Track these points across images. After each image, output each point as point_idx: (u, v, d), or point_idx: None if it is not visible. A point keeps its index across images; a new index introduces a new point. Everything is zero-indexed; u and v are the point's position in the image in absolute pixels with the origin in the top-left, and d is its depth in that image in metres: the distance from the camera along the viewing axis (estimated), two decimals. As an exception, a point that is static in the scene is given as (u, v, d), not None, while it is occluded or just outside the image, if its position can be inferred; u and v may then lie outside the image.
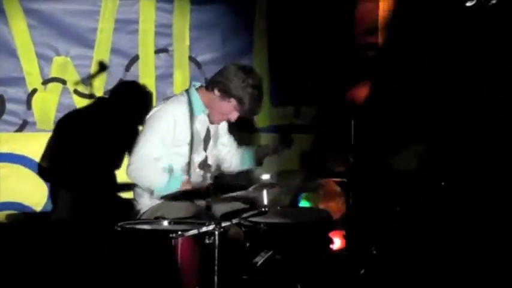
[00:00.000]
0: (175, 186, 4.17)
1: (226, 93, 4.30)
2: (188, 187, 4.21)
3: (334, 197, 5.17)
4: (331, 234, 4.22)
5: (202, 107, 4.38)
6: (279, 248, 3.82)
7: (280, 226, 3.95)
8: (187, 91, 4.46)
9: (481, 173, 5.28)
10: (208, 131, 4.47)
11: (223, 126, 4.66)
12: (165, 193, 4.14)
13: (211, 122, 4.46)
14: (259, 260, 3.73)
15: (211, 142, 4.50)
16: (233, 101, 4.30)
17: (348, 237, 4.79)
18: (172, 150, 4.31)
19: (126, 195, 4.99)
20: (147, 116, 4.37)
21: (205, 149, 4.45)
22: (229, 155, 4.67)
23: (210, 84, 4.40)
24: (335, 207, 5.20)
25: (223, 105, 4.33)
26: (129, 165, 4.21)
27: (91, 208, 5.16)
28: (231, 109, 4.33)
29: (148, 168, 4.20)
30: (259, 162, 4.63)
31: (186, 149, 4.35)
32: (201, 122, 4.42)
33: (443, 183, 5.09)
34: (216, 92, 4.33)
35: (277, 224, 3.95)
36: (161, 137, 4.25)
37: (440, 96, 5.83)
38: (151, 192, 4.24)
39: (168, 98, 4.50)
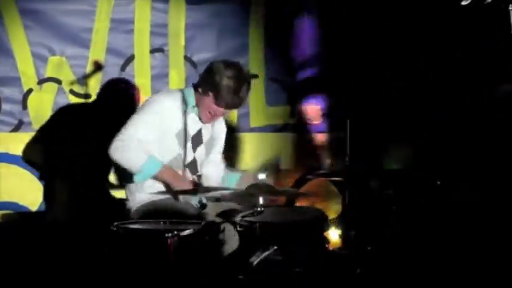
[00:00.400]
0: (151, 171, 4.18)
1: (205, 88, 4.28)
2: (169, 175, 4.22)
3: (330, 196, 5.17)
4: (327, 234, 4.21)
5: (193, 104, 4.38)
6: (275, 247, 3.80)
7: (276, 225, 3.94)
8: (182, 89, 4.48)
9: (480, 172, 5.28)
10: (199, 132, 4.46)
11: (220, 142, 4.66)
12: (142, 177, 4.17)
13: (202, 121, 4.44)
14: (255, 259, 3.72)
15: (202, 146, 4.50)
16: (211, 95, 4.27)
17: (344, 237, 4.80)
18: (161, 141, 4.31)
19: (120, 194, 4.99)
20: (141, 105, 4.39)
21: (194, 150, 4.44)
22: (214, 174, 4.64)
23: (196, 84, 4.40)
24: (331, 206, 5.20)
25: (205, 101, 4.31)
26: (113, 143, 4.19)
27: (86, 208, 5.15)
28: (211, 104, 4.28)
29: (131, 150, 4.16)
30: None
31: (174, 142, 4.34)
32: (192, 121, 4.40)
33: (438, 183, 5.08)
34: (200, 89, 4.33)
35: (273, 224, 3.94)
36: (149, 121, 4.24)
37: (438, 96, 5.83)
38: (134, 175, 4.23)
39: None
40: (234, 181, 4.58)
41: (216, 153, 4.64)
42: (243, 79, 4.25)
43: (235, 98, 4.24)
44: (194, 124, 4.42)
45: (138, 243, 3.59)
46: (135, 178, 4.21)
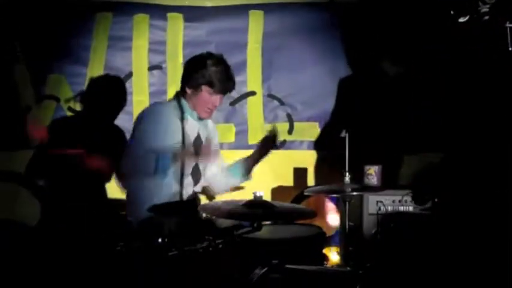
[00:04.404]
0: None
1: (195, 85, 4.34)
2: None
3: (328, 213, 5.16)
4: (325, 251, 4.21)
5: (189, 110, 4.41)
6: (273, 264, 3.79)
7: (274, 242, 3.94)
8: (176, 96, 4.48)
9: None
10: (198, 136, 4.46)
11: (215, 139, 4.67)
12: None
13: (202, 117, 4.46)
14: (254, 276, 3.70)
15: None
16: (204, 88, 4.32)
17: (343, 254, 4.78)
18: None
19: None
20: (136, 119, 4.39)
21: (196, 155, 4.45)
22: (215, 178, 4.69)
23: (182, 87, 4.43)
24: (328, 223, 5.19)
25: (200, 97, 4.36)
26: (121, 175, 4.19)
27: (84, 222, 5.14)
28: (207, 96, 4.36)
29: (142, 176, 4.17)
30: (248, 172, 4.63)
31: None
32: (191, 126, 4.42)
33: (436, 200, 5.07)
34: (189, 90, 4.35)
35: (271, 240, 3.94)
36: (154, 138, 4.23)
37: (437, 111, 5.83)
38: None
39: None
40: (238, 171, 4.63)
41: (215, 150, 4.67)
42: (223, 62, 4.39)
43: (229, 81, 4.38)
44: (192, 129, 4.42)
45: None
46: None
